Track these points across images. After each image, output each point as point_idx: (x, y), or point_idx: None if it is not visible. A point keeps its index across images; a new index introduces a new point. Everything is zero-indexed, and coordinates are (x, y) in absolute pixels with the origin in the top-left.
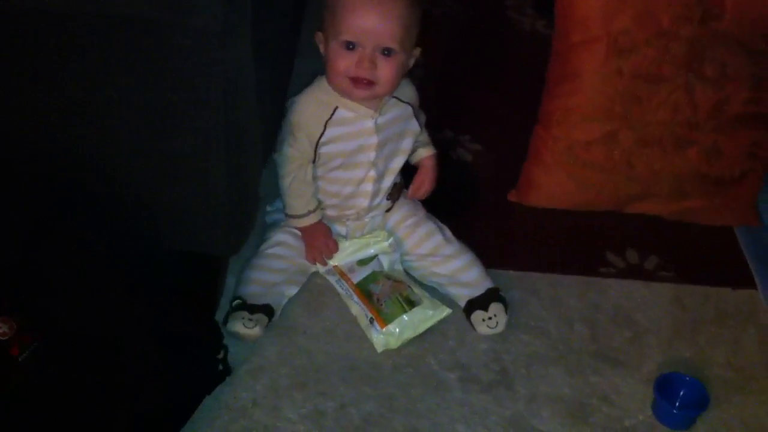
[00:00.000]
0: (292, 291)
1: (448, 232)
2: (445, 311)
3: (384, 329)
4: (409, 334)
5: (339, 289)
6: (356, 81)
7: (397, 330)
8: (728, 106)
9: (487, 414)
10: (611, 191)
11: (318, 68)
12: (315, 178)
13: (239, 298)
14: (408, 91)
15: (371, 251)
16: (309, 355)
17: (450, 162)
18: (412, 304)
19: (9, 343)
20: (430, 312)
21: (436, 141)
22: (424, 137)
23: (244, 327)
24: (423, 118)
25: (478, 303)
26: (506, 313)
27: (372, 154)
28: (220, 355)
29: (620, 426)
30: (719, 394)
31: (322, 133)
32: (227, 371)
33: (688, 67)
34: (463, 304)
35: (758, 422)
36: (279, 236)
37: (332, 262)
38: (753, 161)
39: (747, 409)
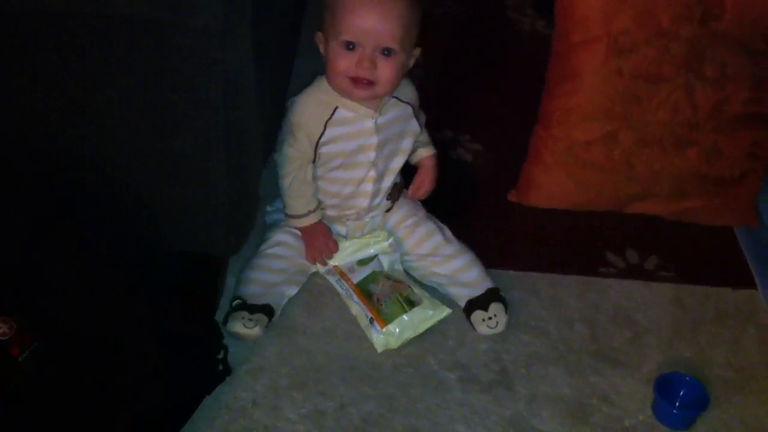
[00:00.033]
0: (292, 291)
1: (448, 232)
2: (445, 311)
3: (384, 329)
4: (409, 334)
5: (339, 289)
6: (356, 81)
7: (397, 330)
8: (728, 106)
9: (487, 414)
10: (611, 191)
11: (318, 68)
12: (315, 178)
13: (239, 298)
14: (408, 91)
15: (371, 251)
16: (309, 355)
17: (450, 162)
18: (412, 304)
19: (9, 343)
20: (430, 312)
21: (436, 141)
22: (424, 137)
23: (244, 327)
24: (423, 118)
25: (478, 303)
26: (506, 313)
27: (372, 154)
28: (220, 355)
29: (620, 426)
30: (719, 394)
31: (322, 133)
32: (227, 371)
33: (688, 67)
34: (463, 304)
35: (758, 422)
36: (279, 236)
37: (332, 262)
38: (753, 161)
39: (747, 409)
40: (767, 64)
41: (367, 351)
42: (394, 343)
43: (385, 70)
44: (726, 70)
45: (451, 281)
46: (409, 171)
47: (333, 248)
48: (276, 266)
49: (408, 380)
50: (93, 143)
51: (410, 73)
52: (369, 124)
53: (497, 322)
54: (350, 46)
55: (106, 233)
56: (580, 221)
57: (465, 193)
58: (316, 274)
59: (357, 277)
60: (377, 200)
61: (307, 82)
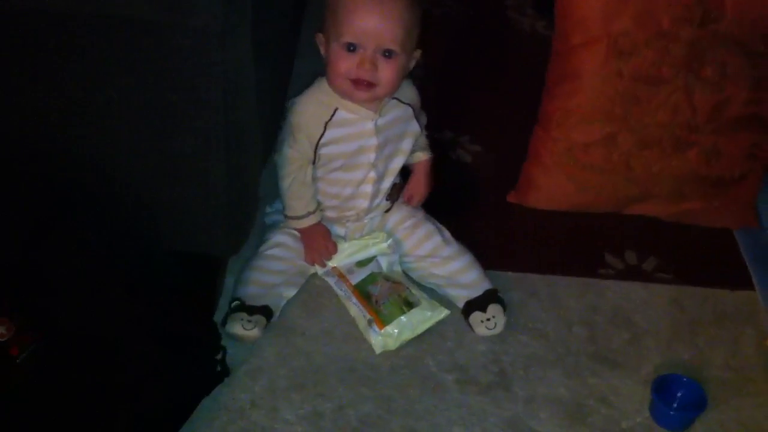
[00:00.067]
0: (291, 292)
1: (447, 233)
2: (444, 312)
3: (382, 330)
4: (408, 335)
5: (338, 291)
6: (357, 83)
7: (396, 331)
8: (728, 107)
9: (485, 415)
10: (610, 193)
11: (318, 69)
12: (315, 179)
13: (238, 299)
14: (409, 92)
15: (370, 252)
16: (307, 357)
17: (449, 163)
18: (410, 305)
19: (8, 344)
20: (429, 313)
21: (436, 141)
22: (422, 140)
23: (242, 328)
24: (424, 119)
25: (477, 304)
26: (505, 314)
27: (372, 156)
28: (219, 356)
29: (618, 427)
30: (717, 396)
31: (322, 135)
32: (226, 372)
33: (687, 68)
34: (461, 305)
35: (756, 423)
36: (278, 237)
37: (331, 264)
38: (752, 162)
39: (745, 410)
40: (767, 66)
41: (366, 352)
42: (392, 345)
43: (386, 72)
44: (726, 71)
45: (449, 282)
46: (408, 172)
47: (332, 250)
48: (275, 267)
49: (406, 381)
50: (93, 143)
51: (410, 74)
52: (369, 125)
53: (496, 324)
54: (351, 47)
55: (106, 233)
56: (579, 222)
57: (464, 194)
58: (315, 275)
59: (356, 278)
60: (377, 201)
61: (307, 82)
